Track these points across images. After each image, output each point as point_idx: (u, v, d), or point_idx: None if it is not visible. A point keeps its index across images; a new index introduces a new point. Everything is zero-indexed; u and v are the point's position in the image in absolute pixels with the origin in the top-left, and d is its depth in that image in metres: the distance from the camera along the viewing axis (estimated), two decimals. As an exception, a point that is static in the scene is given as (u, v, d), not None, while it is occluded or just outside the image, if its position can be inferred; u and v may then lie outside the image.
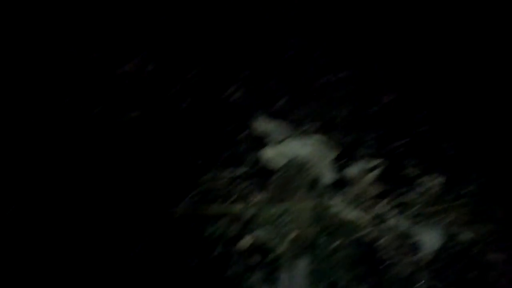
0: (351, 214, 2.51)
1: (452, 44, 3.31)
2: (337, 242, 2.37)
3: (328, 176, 2.73)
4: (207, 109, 3.14)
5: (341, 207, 2.56)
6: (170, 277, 2.21)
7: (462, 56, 3.27)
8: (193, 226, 2.45)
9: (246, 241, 2.37)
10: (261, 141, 2.99)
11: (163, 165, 2.79)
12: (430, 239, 2.32)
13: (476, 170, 2.63)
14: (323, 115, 3.21)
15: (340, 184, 2.68)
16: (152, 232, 2.38)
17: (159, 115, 3.11)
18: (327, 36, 3.52)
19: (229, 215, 2.53)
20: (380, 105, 3.24)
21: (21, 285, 2.11)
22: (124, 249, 2.26)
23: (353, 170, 2.77)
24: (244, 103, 3.32)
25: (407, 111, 3.14)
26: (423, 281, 2.16)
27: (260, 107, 3.30)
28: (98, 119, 2.99)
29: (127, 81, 3.16)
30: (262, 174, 2.78)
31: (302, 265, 2.25)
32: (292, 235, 2.41)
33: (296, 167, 2.79)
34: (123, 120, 3.04)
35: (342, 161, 2.81)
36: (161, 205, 2.54)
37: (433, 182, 2.63)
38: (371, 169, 2.76)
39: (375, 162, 2.79)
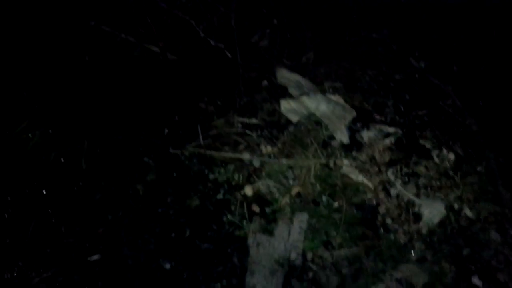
0: (358, 177, 2.51)
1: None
2: (339, 203, 2.39)
3: (341, 137, 2.71)
4: (233, 52, 3.10)
5: (349, 169, 2.55)
6: (170, 215, 2.28)
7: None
8: (199, 168, 2.49)
9: (248, 190, 2.41)
10: (279, 93, 2.97)
11: (178, 104, 2.81)
12: (431, 212, 2.32)
13: (492, 151, 2.57)
14: (347, 75, 3.15)
15: (352, 147, 2.67)
16: (157, 170, 2.44)
17: (181, 51, 3.08)
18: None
19: (237, 162, 2.56)
20: (408, 72, 3.15)
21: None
22: (125, 186, 2.32)
23: (368, 134, 2.74)
24: (269, 52, 3.27)
25: (435, 82, 3.04)
26: (416, 251, 2.18)
27: (285, 58, 3.24)
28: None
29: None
30: (276, 126, 2.78)
31: (301, 220, 2.28)
32: (295, 190, 2.43)
33: (310, 124, 2.78)
34: (144, 52, 3.02)
35: (359, 123, 2.78)
36: (170, 143, 2.57)
37: (445, 157, 2.59)
38: (386, 136, 2.72)
39: (392, 129, 2.75)
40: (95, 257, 2.05)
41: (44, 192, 2.21)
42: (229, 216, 2.28)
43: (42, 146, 2.37)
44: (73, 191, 2.26)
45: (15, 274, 1.97)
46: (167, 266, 2.08)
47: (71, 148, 2.39)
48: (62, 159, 2.32)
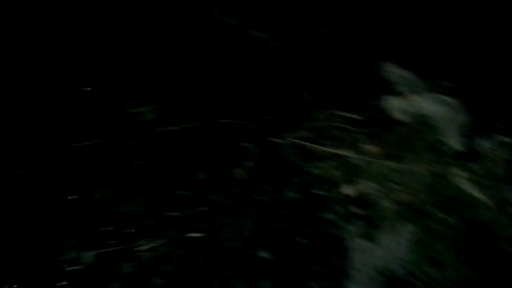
0: (473, 190, 2.25)
1: None
2: (449, 217, 2.15)
3: (455, 143, 2.46)
4: (337, 41, 2.94)
5: (462, 181, 2.29)
6: (266, 203, 2.19)
7: None
8: (295, 160, 2.37)
9: (350, 189, 2.25)
10: (386, 89, 2.76)
11: (278, 91, 2.70)
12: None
13: None
14: (462, 74, 2.86)
15: (467, 156, 2.40)
16: (256, 157, 2.36)
17: (284, 38, 2.99)
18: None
19: (335, 158, 2.40)
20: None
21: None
22: (226, 169, 2.30)
23: (485, 144, 2.46)
24: (376, 45, 3.07)
25: None
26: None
27: (393, 52, 3.02)
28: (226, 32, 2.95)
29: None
30: (379, 124, 2.58)
31: (406, 230, 2.08)
32: (402, 196, 2.22)
33: (419, 125, 2.55)
34: (247, 37, 2.97)
35: (475, 130, 2.50)
36: (268, 131, 2.48)
37: None
38: (508, 147, 2.42)
39: (514, 140, 2.45)
40: (196, 234, 2.03)
41: (151, 166, 2.23)
42: (327, 214, 2.14)
43: (152, 122, 2.40)
44: (178, 167, 2.26)
45: (119, 242, 2.02)
46: (264, 255, 2.01)
47: (180, 126, 2.40)
48: (169, 136, 2.34)
